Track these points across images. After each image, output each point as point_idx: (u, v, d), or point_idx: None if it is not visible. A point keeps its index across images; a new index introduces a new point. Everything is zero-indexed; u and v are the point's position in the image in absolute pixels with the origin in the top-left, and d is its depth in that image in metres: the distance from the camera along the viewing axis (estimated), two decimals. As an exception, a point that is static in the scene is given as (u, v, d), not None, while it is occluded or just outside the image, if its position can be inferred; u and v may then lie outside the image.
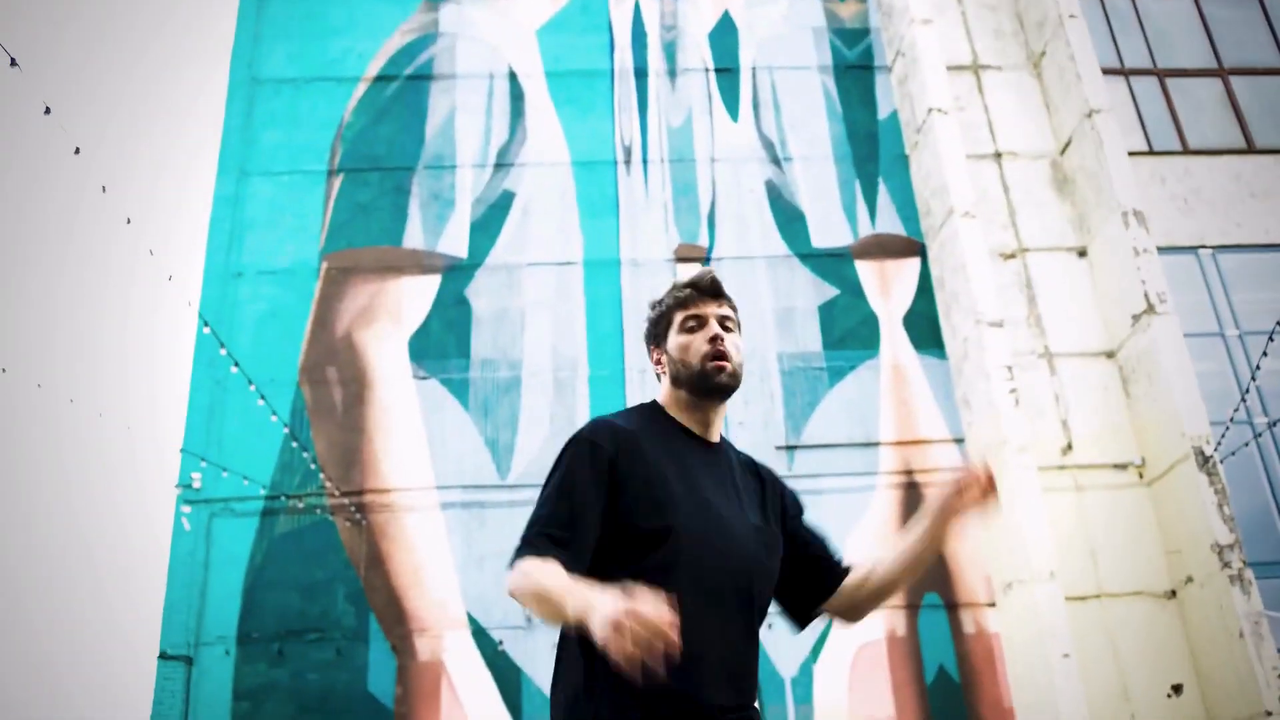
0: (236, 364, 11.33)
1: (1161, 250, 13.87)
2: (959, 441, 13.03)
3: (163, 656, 12.00)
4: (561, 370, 13.31)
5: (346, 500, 12.55)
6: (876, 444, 13.00)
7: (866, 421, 13.11)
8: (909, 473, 12.91)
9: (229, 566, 12.36)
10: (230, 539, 12.48)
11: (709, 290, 2.49)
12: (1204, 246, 14.51)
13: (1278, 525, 13.33)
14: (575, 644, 2.24)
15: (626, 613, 1.85)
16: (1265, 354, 11.06)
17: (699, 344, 2.39)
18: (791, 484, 2.95)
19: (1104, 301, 13.65)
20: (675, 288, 2.53)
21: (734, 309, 2.53)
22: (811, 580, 2.43)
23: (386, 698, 11.82)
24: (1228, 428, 12.36)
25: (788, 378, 13.29)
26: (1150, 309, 12.73)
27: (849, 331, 13.59)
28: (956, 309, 13.15)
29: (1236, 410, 12.34)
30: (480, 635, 12.09)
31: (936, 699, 11.96)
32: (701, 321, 2.42)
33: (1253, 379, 12.23)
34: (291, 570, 12.33)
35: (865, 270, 13.93)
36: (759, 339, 13.50)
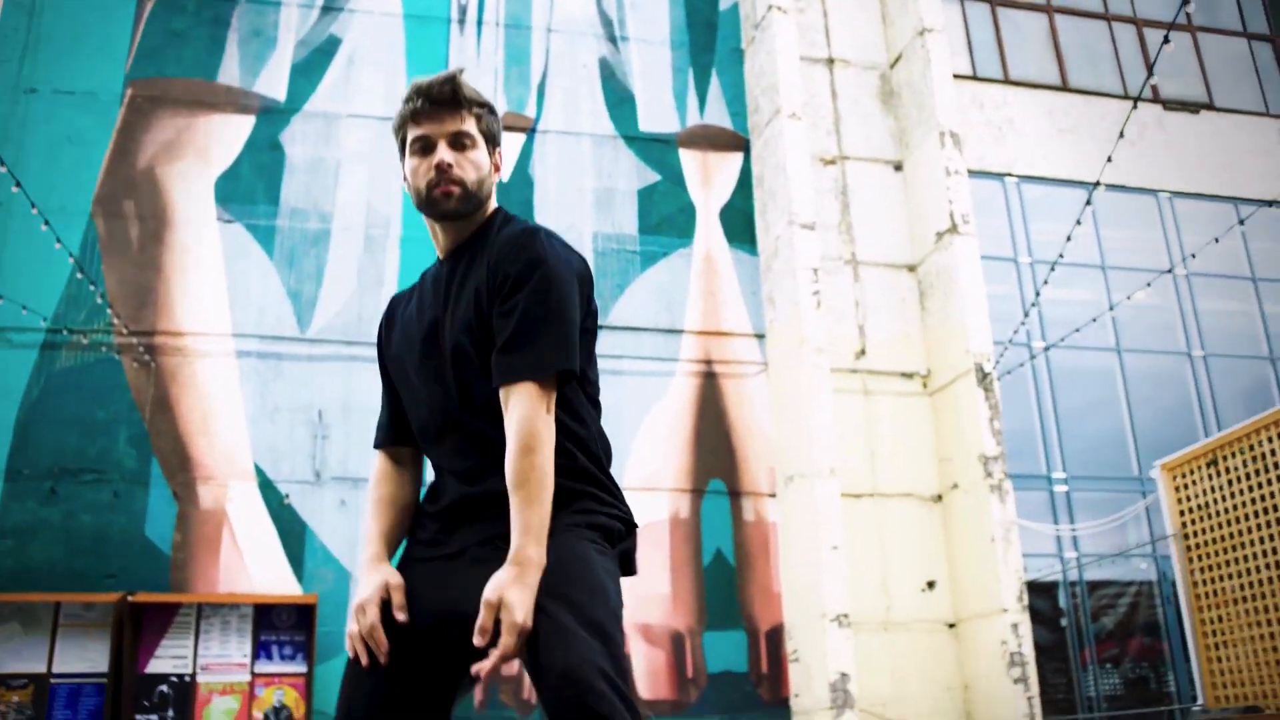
0: (19, 184, 10.59)
1: (972, 173, 14.44)
2: (760, 337, 13.41)
3: (-77, 486, 11.41)
4: (374, 227, 12.99)
5: (135, 340, 12.04)
6: (680, 331, 13.25)
7: (673, 308, 13.33)
8: (709, 362, 13.24)
9: (2, 398, 11.75)
10: (5, 369, 11.84)
11: (441, 99, 2.13)
12: (1011, 175, 15.17)
13: (1039, 442, 14.34)
14: None
15: (359, 606, 2.02)
16: (1046, 282, 11.72)
17: (425, 170, 2.17)
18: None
19: (912, 216, 14.16)
20: (408, 96, 2.17)
21: (481, 113, 2.20)
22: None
23: (164, 543, 11.58)
24: (1006, 348, 13.13)
25: (600, 258, 13.33)
26: (953, 228, 13.26)
27: (666, 218, 13.69)
28: (773, 207, 13.41)
29: (1016, 332, 13.09)
30: (267, 488, 11.92)
31: (711, 579, 12.50)
32: (429, 145, 2.16)
33: (1034, 304, 12.97)
34: (71, 407, 11.81)
35: (688, 159, 14.01)
36: (576, 216, 13.47)
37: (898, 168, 14.39)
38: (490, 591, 1.88)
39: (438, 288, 2.29)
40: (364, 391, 12.35)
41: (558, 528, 2.01)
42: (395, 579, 2.04)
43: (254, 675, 11.45)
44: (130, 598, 11.11)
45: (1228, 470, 11.52)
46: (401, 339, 2.33)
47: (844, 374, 13.16)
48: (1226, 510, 11.43)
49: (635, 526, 2.25)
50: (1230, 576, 11.37)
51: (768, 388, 13.21)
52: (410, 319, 2.32)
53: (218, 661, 11.45)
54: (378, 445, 2.35)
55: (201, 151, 12.91)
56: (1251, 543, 11.05)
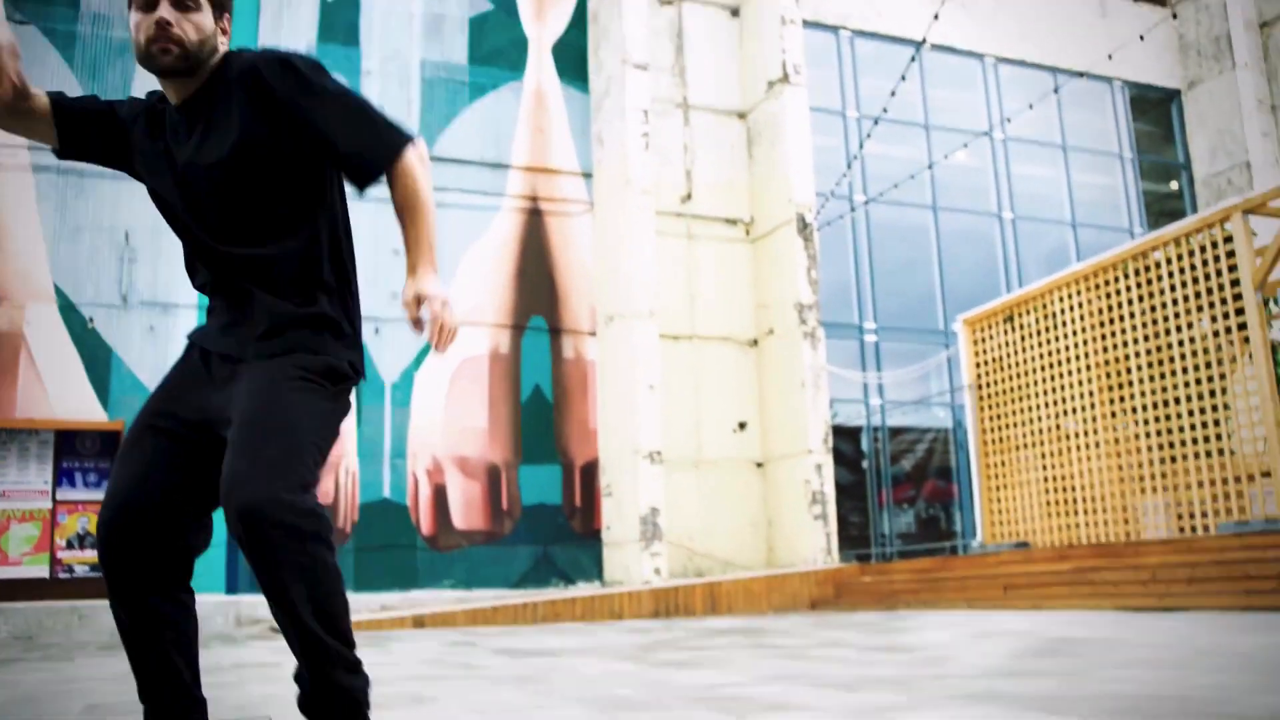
0: None
1: (807, 24, 14.49)
2: (587, 176, 13.35)
3: None
4: (185, 41, 12.22)
5: (-83, 148, 11.19)
6: (507, 166, 13.07)
7: (500, 143, 13.10)
8: (535, 199, 13.13)
9: None
10: None
11: None
12: (845, 28, 15.28)
13: (853, 292, 14.87)
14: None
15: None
16: (869, 135, 11.98)
17: (146, 25, 2.15)
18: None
19: (746, 64, 14.17)
20: None
21: None
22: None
23: (-45, 367, 11.02)
24: (828, 199, 13.45)
25: (428, 87, 12.94)
26: (785, 78, 13.35)
27: (497, 50, 13.33)
28: (606, 45, 13.21)
29: (839, 184, 13.41)
30: (68, 311, 11.41)
31: (528, 415, 12.68)
32: (151, 2, 2.14)
33: (857, 158, 13.28)
34: None
35: (522, -11, 13.60)
36: (404, 43, 12.99)
37: (735, 13, 14.30)
38: (409, 292, 2.15)
39: (177, 134, 2.29)
40: (174, 214, 11.83)
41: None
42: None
43: (56, 502, 11.16)
44: (-82, 420, 10.62)
45: (1022, 326, 12.25)
46: (148, 161, 2.34)
47: (669, 217, 13.28)
48: (1018, 364, 12.19)
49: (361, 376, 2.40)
50: (1016, 425, 12.20)
51: (592, 227, 13.23)
52: (151, 150, 2.33)
53: (16, 488, 11.09)
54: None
55: (-10, -55, 11.83)
56: (1037, 395, 11.86)
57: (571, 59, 13.62)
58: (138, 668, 2.26)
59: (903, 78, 11.96)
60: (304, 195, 2.29)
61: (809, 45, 14.33)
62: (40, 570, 10.98)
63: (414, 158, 2.23)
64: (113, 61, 11.97)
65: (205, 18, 2.20)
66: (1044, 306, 11.83)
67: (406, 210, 2.22)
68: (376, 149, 2.22)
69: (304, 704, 2.16)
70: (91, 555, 11.09)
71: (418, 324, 2.16)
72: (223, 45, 2.28)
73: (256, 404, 2.12)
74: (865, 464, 15.07)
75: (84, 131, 2.35)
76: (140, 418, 2.26)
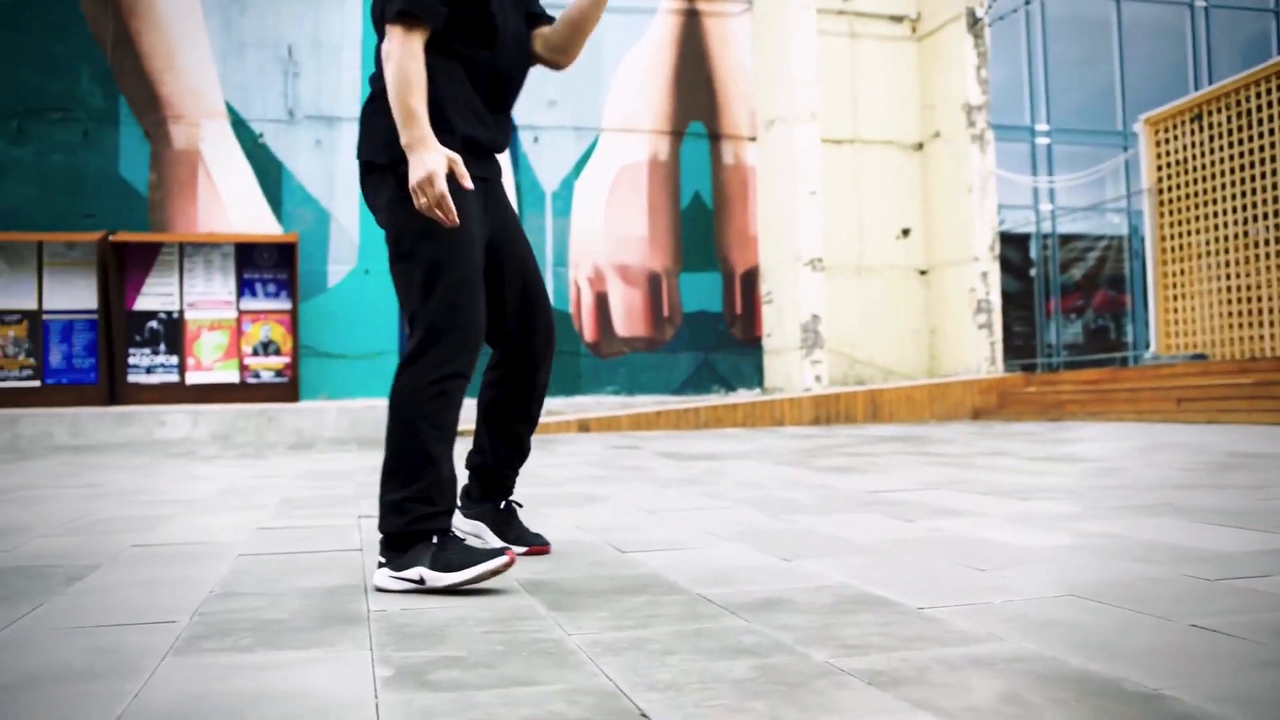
0: None
1: None
2: (745, -27, 12.84)
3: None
4: None
5: (89, -31, 11.45)
6: (662, -35, 12.65)
7: (655, -58, 12.67)
8: (691, 0, 12.74)
9: (-44, 32, 11.29)
10: (-46, 0, 11.30)
11: None
12: None
13: (1025, 92, 14.10)
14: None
15: (428, 178, 2.11)
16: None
17: None
18: None
19: None
20: None
21: None
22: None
23: (140, 184, 11.50)
24: (1001, -11, 12.64)
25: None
26: None
27: None
28: None
29: (1013, -27, 12.56)
30: (240, 126, 11.72)
31: (688, 223, 12.60)
32: None
33: (1035, -58, 12.37)
34: (27, 41, 11.36)
35: None
36: None
37: None
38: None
39: None
40: (333, 28, 11.91)
41: None
42: (454, 154, 2.20)
43: (240, 312, 11.73)
44: (111, 237, 11.18)
45: (1211, 126, 11.43)
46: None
47: (830, 15, 12.71)
48: (1204, 166, 11.43)
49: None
50: (1198, 232, 11.54)
51: (751, 28, 12.77)
52: None
53: (204, 299, 11.69)
54: (430, 19, 2.27)
55: None
56: (1224, 199, 11.14)
57: None
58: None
59: None
60: None
61: None
62: (230, 375, 11.64)
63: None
64: (266, -128, 11.90)
65: None
66: (1237, 104, 11.01)
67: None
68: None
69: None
70: (275, 361, 11.68)
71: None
72: None
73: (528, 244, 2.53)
74: (1033, 272, 14.58)
75: None
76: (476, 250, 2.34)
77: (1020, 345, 14.37)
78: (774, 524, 3.01)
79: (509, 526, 2.57)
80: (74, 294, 11.43)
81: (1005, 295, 13.18)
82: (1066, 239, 14.68)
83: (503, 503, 2.60)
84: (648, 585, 2.08)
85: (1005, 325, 13.29)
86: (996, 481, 4.18)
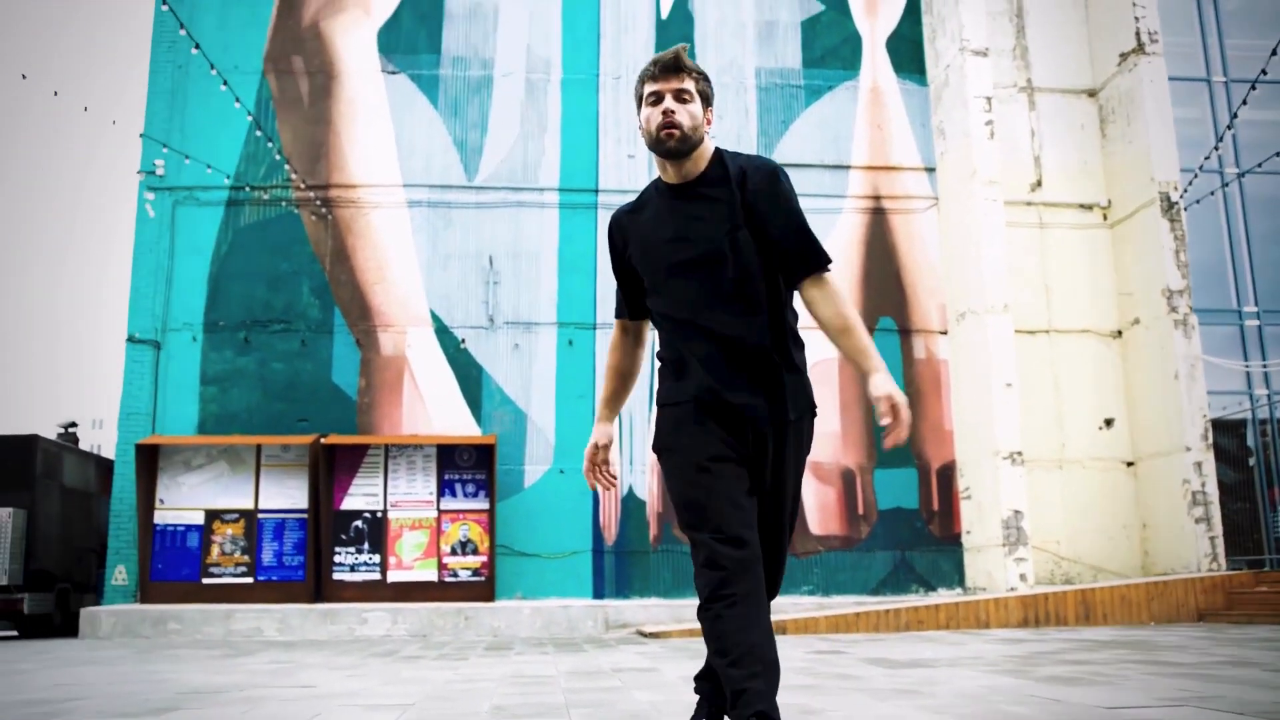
0: (197, 45, 10.92)
1: (1160, -13, 13.42)
2: (930, 170, 12.97)
3: (131, 340, 12.18)
4: (534, 72, 12.95)
5: (312, 194, 12.45)
6: (848, 167, 12.91)
7: (840, 143, 12.96)
8: (877, 198, 12.90)
9: (194, 255, 12.37)
10: (195, 227, 12.43)
11: (669, 66, 2.78)
12: (1204, -13, 14.02)
13: (1228, 274, 13.59)
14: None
15: (587, 452, 2.97)
16: (1245, 102, 10.88)
17: (655, 116, 2.74)
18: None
19: (1094, 36, 13.30)
20: (646, 66, 2.85)
21: (698, 78, 2.81)
22: (779, 263, 2.83)
23: (350, 389, 12.16)
24: (1196, 175, 12.36)
25: (764, 94, 13.02)
26: (1139, 48, 12.43)
27: (830, 50, 13.21)
28: (942, 34, 12.78)
29: (1208, 158, 12.29)
30: (443, 333, 12.33)
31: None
32: (659, 97, 2.75)
33: (1229, 127, 12.12)
34: (257, 261, 12.37)
35: (853, -14, 13.40)
36: (738, 52, 13.13)
37: (1078, -15, 13.47)
38: (881, 389, 2.55)
39: (675, 211, 2.84)
40: (530, 237, 12.53)
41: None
42: (604, 439, 2.94)
43: (440, 511, 12.08)
44: (323, 440, 11.80)
45: None
46: (644, 247, 2.89)
47: (1018, 207, 12.67)
48: None
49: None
50: None
51: (938, 222, 12.83)
52: (650, 236, 2.87)
53: (406, 498, 12.10)
54: (618, 316, 3.02)
55: (363, 3, 13.02)
56: None
57: (907, 52, 13.29)
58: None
59: (1282, 34, 10.80)
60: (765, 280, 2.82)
61: (1162, 6, 13.24)
62: (429, 574, 11.91)
63: (835, 278, 2.73)
64: (471, 98, 12.84)
65: (696, 108, 2.78)
66: None
67: (840, 326, 2.69)
68: (809, 258, 2.74)
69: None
70: (472, 560, 11.89)
71: (885, 417, 2.52)
72: (706, 130, 2.81)
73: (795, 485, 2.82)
74: (1252, 461, 13.72)
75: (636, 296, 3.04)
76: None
77: (1243, 539, 13.43)
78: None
79: None
80: (287, 494, 12.02)
81: (1222, 486, 12.42)
82: (1285, 423, 13.81)
83: None
84: None
85: (1224, 518, 12.47)
86: (1250, 698, 3.82)
